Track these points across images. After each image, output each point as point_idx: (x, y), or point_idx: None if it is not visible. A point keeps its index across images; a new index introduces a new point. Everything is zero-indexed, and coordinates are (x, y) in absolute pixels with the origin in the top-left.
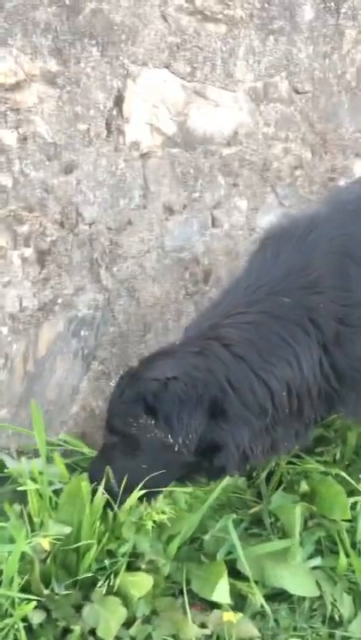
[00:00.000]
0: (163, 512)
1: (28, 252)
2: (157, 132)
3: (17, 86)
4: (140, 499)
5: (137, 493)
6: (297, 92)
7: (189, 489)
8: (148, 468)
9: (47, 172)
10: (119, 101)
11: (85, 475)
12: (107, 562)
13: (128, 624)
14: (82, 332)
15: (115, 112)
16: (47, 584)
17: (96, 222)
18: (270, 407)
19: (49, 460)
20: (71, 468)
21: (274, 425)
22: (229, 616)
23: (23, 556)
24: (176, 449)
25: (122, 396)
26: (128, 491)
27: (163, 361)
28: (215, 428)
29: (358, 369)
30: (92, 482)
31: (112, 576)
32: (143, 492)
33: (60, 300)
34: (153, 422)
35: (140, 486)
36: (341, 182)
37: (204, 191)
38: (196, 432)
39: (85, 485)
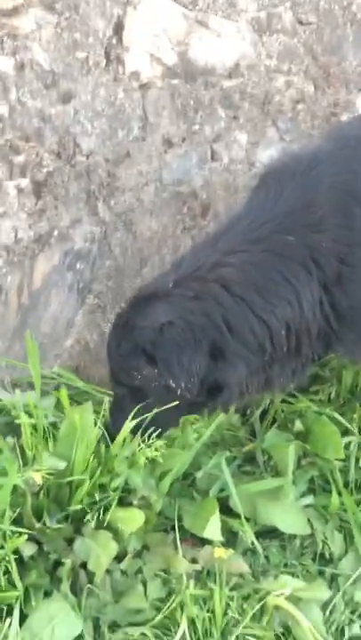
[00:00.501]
0: (156, 449)
1: (24, 182)
2: (158, 62)
3: (14, 11)
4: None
5: (128, 426)
6: (301, 23)
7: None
8: (159, 412)
9: (44, 101)
10: (119, 29)
11: (80, 408)
12: (98, 496)
13: (119, 558)
14: (77, 265)
15: (114, 40)
16: (39, 517)
17: (94, 153)
18: (269, 346)
19: (43, 392)
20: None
21: (271, 363)
22: (220, 552)
23: (15, 489)
24: (179, 393)
25: (119, 349)
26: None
27: (155, 305)
28: (216, 370)
29: (358, 309)
30: (111, 433)
31: (104, 511)
32: (134, 423)
33: (55, 233)
34: (155, 371)
35: (129, 418)
36: (344, 117)
37: (204, 124)
38: (198, 375)
39: (79, 419)
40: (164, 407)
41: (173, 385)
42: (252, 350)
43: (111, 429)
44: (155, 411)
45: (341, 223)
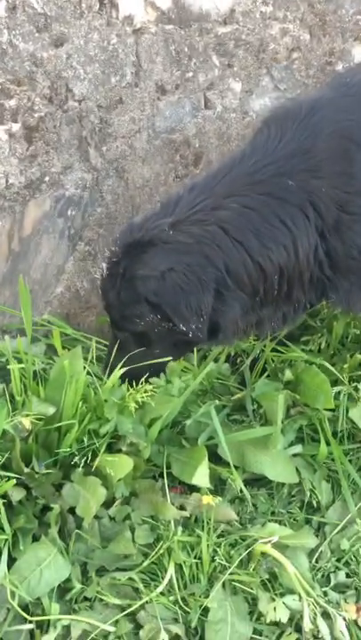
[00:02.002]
0: (145, 391)
1: (16, 127)
2: (151, 7)
3: None
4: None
5: (118, 372)
6: None
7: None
8: (161, 353)
9: (36, 45)
10: None
11: (70, 353)
12: (87, 441)
13: (107, 504)
14: (69, 212)
15: None
16: (28, 463)
17: (86, 99)
18: (261, 289)
19: (33, 339)
20: (54, 349)
21: (261, 306)
22: (208, 499)
23: (4, 434)
24: (191, 335)
25: (119, 297)
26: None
27: (152, 252)
28: (216, 311)
29: (354, 257)
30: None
31: (92, 456)
32: (125, 370)
33: (47, 179)
34: (159, 317)
35: (120, 365)
36: (339, 67)
37: (198, 71)
38: (207, 314)
39: (68, 365)
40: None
41: (184, 328)
42: (246, 292)
43: (109, 372)
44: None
45: (342, 170)
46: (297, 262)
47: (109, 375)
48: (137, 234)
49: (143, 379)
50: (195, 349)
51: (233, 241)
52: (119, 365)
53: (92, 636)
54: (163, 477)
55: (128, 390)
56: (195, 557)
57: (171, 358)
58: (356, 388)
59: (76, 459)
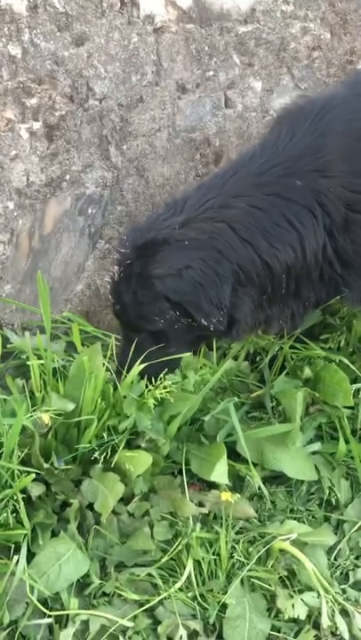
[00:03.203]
0: (164, 388)
1: (37, 125)
2: (172, 6)
3: None
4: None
5: (137, 368)
6: None
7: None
8: (178, 350)
9: (58, 44)
10: None
11: (89, 349)
12: (106, 436)
13: (126, 500)
14: (89, 210)
15: None
16: (47, 458)
17: (107, 98)
18: (269, 287)
19: (53, 337)
20: (74, 347)
21: (269, 303)
22: (227, 496)
23: (24, 429)
24: (212, 328)
25: (136, 298)
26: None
27: (166, 252)
28: (232, 304)
29: None
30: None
31: (112, 452)
32: (143, 366)
33: (67, 177)
34: (178, 313)
35: (139, 361)
36: (360, 66)
37: (219, 70)
38: (226, 307)
39: (87, 361)
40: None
41: (206, 323)
42: (255, 289)
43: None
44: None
45: (351, 170)
46: (304, 262)
47: (126, 372)
48: (148, 234)
49: (161, 376)
50: (213, 347)
51: (241, 240)
52: (137, 363)
53: (111, 631)
54: (182, 474)
55: (147, 387)
56: (213, 554)
57: (188, 354)
58: None
59: (96, 454)
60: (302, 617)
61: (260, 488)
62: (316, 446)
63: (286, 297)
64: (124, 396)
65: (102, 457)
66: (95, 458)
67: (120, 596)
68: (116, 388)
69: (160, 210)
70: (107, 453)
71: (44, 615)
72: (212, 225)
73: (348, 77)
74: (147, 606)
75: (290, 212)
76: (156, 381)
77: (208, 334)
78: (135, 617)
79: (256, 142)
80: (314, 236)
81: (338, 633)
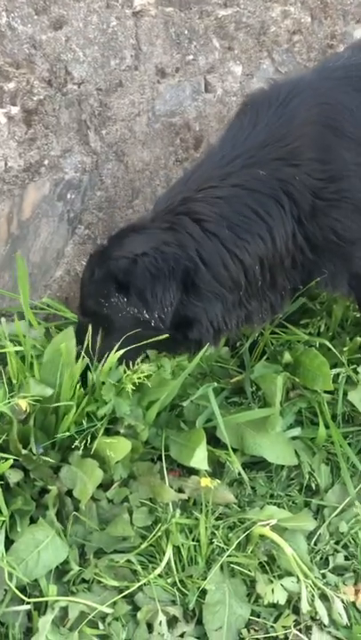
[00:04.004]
0: (142, 372)
1: (15, 110)
2: None
3: None
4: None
5: (116, 354)
6: None
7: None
8: (122, 345)
9: (35, 27)
10: None
11: (63, 333)
12: (85, 424)
13: (106, 487)
14: (68, 196)
15: None
16: (26, 445)
17: (85, 82)
18: (243, 281)
19: (32, 322)
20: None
21: (248, 298)
22: (206, 482)
23: (2, 415)
24: (153, 324)
25: (92, 276)
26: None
27: (131, 238)
28: (188, 304)
29: (333, 240)
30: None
31: (91, 439)
32: (121, 352)
33: (46, 162)
34: (125, 300)
35: (116, 348)
36: (340, 49)
37: (198, 54)
38: (172, 305)
39: (65, 347)
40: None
41: (147, 316)
42: (226, 286)
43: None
44: (117, 344)
45: (317, 157)
46: (275, 251)
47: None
48: (125, 226)
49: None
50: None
51: (206, 232)
52: (113, 351)
53: (90, 617)
54: (161, 460)
55: (125, 372)
56: (193, 540)
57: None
58: (355, 371)
59: (77, 442)
60: (282, 602)
61: (239, 474)
62: (297, 431)
63: (263, 289)
64: (103, 382)
65: (81, 443)
66: (74, 444)
67: (99, 582)
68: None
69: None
70: (86, 440)
71: (22, 602)
72: (175, 217)
73: (319, 62)
74: (126, 592)
75: (255, 202)
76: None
77: (155, 330)
78: (114, 603)
79: (222, 132)
80: (282, 225)
81: (317, 618)
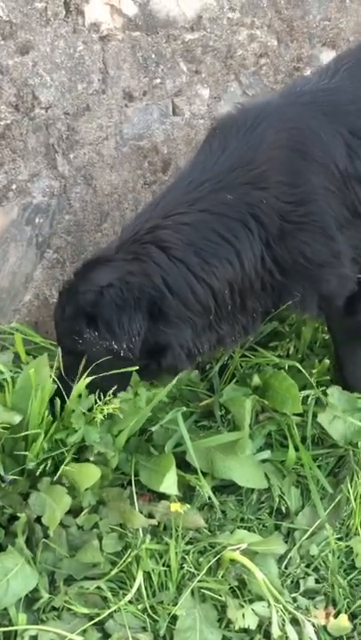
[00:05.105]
0: (113, 404)
1: None
2: (118, 14)
3: None
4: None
5: (84, 382)
6: None
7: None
8: (104, 379)
9: (1, 52)
10: None
11: (36, 361)
12: (54, 451)
13: (75, 513)
14: (36, 220)
15: None
16: None
17: (53, 106)
18: (213, 305)
19: (1, 348)
20: None
21: (218, 322)
22: (176, 507)
23: None
24: (122, 354)
25: (63, 314)
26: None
27: (97, 270)
28: (157, 331)
29: (301, 263)
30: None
31: (60, 465)
32: (89, 380)
33: (14, 187)
34: (96, 334)
35: (85, 376)
36: (307, 72)
37: (166, 78)
38: (139, 335)
39: (34, 374)
40: (107, 373)
41: (116, 347)
42: (195, 311)
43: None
44: (96, 376)
45: (284, 180)
46: (244, 274)
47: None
48: (90, 258)
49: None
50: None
51: (172, 259)
52: (82, 379)
53: None
54: (131, 485)
55: (96, 402)
56: (163, 565)
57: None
58: (324, 393)
59: (43, 467)
60: (253, 627)
61: (210, 498)
62: (266, 454)
63: (234, 312)
64: (73, 410)
65: (50, 470)
66: (43, 471)
67: (69, 610)
68: (63, 402)
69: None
70: (55, 466)
71: None
72: (140, 246)
73: (285, 86)
74: (96, 620)
75: (222, 226)
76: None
77: (126, 360)
78: (85, 631)
79: (190, 157)
80: (250, 249)
81: None
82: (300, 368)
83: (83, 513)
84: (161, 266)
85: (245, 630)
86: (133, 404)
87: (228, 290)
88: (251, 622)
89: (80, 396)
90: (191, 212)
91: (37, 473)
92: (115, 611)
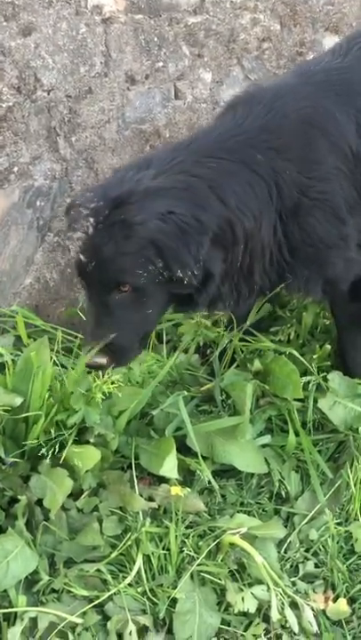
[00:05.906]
0: (112, 382)
1: None
2: None
3: None
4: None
5: (84, 362)
6: None
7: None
8: (152, 313)
9: (4, 34)
10: None
11: (36, 343)
12: (55, 433)
13: (75, 496)
14: (37, 203)
15: None
16: None
17: (55, 89)
18: (230, 254)
19: (1, 331)
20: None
21: (224, 277)
22: (177, 490)
23: None
24: (185, 282)
25: (118, 248)
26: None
27: (148, 200)
28: (209, 257)
29: (311, 244)
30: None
31: (60, 448)
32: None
33: (15, 169)
34: (161, 264)
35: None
36: (310, 57)
37: (168, 61)
38: (203, 260)
39: (35, 356)
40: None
41: (181, 275)
42: (222, 252)
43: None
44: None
45: (306, 156)
46: (259, 235)
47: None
48: (121, 186)
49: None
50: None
51: (217, 196)
52: (82, 360)
53: (60, 627)
54: (131, 469)
55: (95, 381)
56: (163, 548)
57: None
58: (325, 378)
59: (44, 450)
60: (252, 610)
61: (210, 482)
62: (266, 439)
63: (239, 275)
64: (72, 392)
65: (51, 452)
66: (43, 453)
67: (69, 592)
68: (63, 384)
69: (123, 169)
70: (55, 449)
71: None
72: (188, 177)
73: (297, 66)
74: (96, 602)
75: (255, 182)
76: (129, 353)
77: (186, 289)
78: (84, 613)
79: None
80: (268, 213)
81: (288, 626)
82: (299, 356)
83: (83, 496)
84: (209, 200)
85: (245, 614)
86: (127, 378)
87: (243, 244)
88: (250, 606)
89: (79, 376)
90: (230, 159)
91: (38, 455)
92: (114, 593)
